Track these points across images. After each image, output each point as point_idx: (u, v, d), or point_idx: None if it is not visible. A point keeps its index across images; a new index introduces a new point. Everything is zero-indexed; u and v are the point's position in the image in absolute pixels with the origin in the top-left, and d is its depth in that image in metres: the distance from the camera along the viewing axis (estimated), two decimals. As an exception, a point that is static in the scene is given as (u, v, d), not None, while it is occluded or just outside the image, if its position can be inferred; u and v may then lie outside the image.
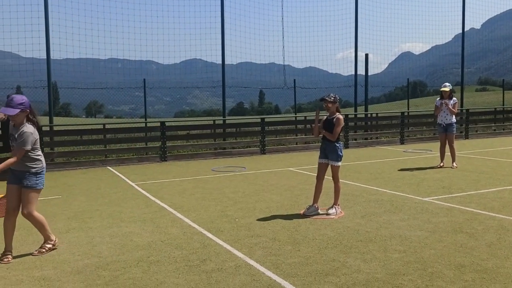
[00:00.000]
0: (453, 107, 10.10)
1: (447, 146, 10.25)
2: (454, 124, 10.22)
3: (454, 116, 10.19)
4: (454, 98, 10.27)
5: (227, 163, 11.98)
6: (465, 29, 18.94)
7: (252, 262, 4.35)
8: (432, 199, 6.93)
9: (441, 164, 10.17)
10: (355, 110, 17.02)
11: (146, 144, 13.50)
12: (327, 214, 6.07)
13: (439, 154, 10.43)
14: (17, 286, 3.92)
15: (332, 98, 6.18)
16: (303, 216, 6.09)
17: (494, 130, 18.56)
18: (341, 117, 6.18)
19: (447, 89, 10.19)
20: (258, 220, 5.95)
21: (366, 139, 16.00)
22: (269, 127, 15.28)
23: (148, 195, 7.88)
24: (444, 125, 10.20)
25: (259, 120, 14.50)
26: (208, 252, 4.68)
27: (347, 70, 16.89)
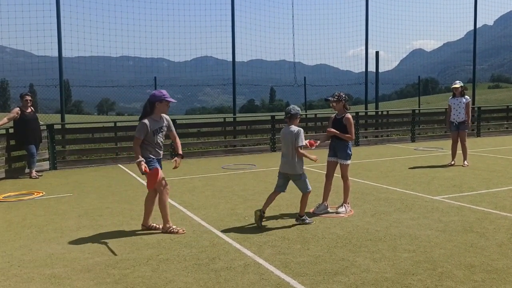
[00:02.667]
0: (466, 106, 10.01)
1: (459, 144, 10.16)
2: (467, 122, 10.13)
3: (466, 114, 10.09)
4: (466, 97, 10.16)
5: (237, 161, 12.00)
6: (478, 26, 18.71)
7: (261, 261, 4.36)
8: (443, 198, 6.87)
9: (452, 162, 10.09)
10: (366, 108, 16.93)
11: (157, 142, 13.55)
12: (337, 213, 6.06)
13: (450, 152, 10.34)
14: (28, 283, 3.98)
15: (336, 97, 6.14)
16: (313, 214, 6.08)
17: (507, 128, 18.32)
18: (349, 116, 6.15)
19: (457, 85, 10.11)
20: (268, 218, 5.95)
21: (376, 136, 15.91)
22: (279, 124, 15.26)
23: (158, 193, 7.92)
24: (457, 123, 10.11)
25: (269, 118, 14.49)
26: (217, 251, 4.70)
27: (358, 67, 16.81)
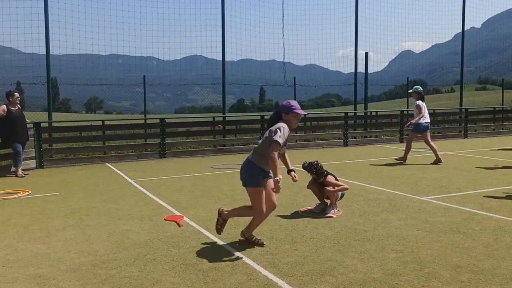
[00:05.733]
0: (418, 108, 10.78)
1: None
2: (419, 125, 10.75)
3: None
4: (416, 102, 10.81)
5: (226, 160, 11.97)
6: (465, 28, 18.89)
7: (248, 261, 4.35)
8: (430, 199, 6.92)
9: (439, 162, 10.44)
10: (355, 108, 17.01)
11: (146, 141, 13.50)
12: (325, 213, 6.06)
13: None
14: (13, 284, 3.92)
15: (314, 170, 6.15)
16: (301, 214, 6.09)
17: (493, 129, 18.53)
18: (329, 178, 6.18)
19: (410, 90, 11.18)
20: (256, 218, 5.93)
21: (365, 137, 15.99)
22: (269, 124, 15.25)
23: (146, 192, 7.87)
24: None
25: (258, 117, 14.48)
26: (205, 251, 4.68)
27: (348, 68, 16.89)
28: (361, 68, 16.62)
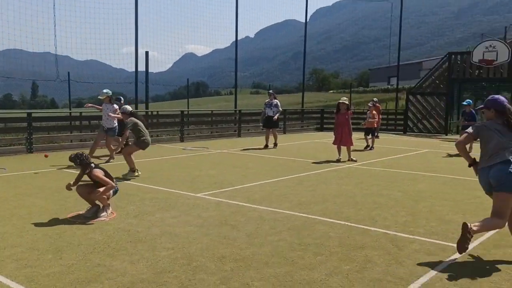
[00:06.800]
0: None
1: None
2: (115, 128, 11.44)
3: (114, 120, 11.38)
4: (114, 105, 11.52)
5: (-17, 164, 10.30)
6: (240, 37, 20.68)
7: (1, 278, 3.77)
8: (204, 195, 7.26)
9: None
10: (136, 107, 16.77)
11: None
12: (97, 217, 5.75)
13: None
14: None
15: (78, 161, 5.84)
16: (71, 221, 5.62)
17: (262, 129, 20.73)
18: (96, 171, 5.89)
19: (101, 97, 11.39)
20: (15, 228, 5.24)
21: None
22: (40, 123, 13.83)
23: None
24: (106, 128, 11.26)
25: (25, 115, 12.92)
26: None
27: (132, 66, 16.47)
28: (144, 67, 16.50)
